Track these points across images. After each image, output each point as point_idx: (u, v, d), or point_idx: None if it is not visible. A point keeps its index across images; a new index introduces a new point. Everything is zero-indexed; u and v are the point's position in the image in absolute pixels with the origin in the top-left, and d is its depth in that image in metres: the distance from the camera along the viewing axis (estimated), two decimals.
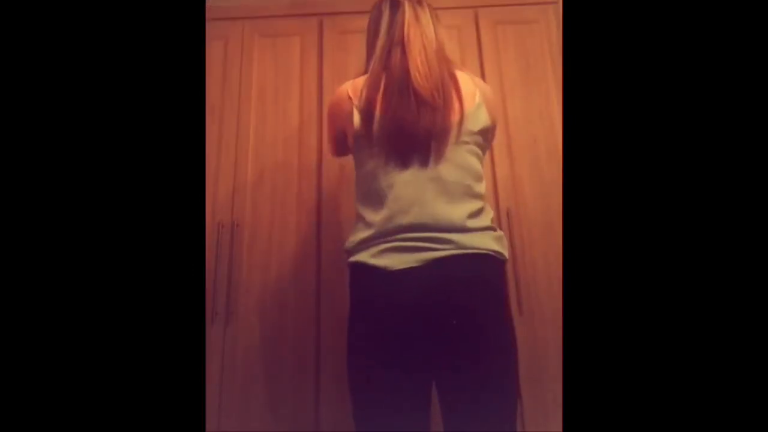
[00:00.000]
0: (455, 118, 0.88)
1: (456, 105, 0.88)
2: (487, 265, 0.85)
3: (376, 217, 0.87)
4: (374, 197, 0.89)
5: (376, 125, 0.88)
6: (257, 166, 1.54)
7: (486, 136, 0.93)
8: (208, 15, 1.68)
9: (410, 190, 0.85)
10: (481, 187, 0.91)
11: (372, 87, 0.91)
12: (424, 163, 0.86)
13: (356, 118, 0.91)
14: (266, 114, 1.59)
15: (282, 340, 1.38)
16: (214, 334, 1.39)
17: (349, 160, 1.51)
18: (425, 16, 0.98)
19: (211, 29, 1.67)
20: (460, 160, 0.88)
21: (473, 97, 0.92)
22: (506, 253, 0.89)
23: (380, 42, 0.98)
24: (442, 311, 0.81)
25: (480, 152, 0.92)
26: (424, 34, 0.95)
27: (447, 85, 0.89)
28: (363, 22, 1.65)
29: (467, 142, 0.89)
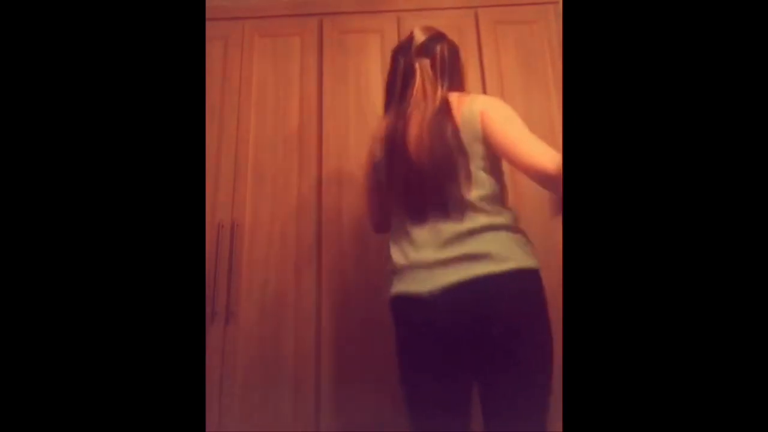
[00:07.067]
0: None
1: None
2: (507, 284, 0.87)
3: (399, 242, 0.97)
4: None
5: (385, 173, 0.99)
6: (257, 166, 1.54)
7: (488, 144, 0.92)
8: (208, 15, 1.68)
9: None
10: (484, 192, 0.92)
11: (382, 138, 1.01)
12: (444, 217, 0.91)
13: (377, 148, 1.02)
14: (266, 114, 1.59)
15: (282, 340, 1.38)
16: (214, 334, 1.39)
17: (347, 161, 1.53)
18: (432, 83, 0.97)
19: (211, 29, 1.67)
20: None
21: (466, 111, 0.93)
22: (523, 263, 0.89)
23: (391, 109, 1.03)
24: (469, 332, 0.88)
25: (483, 163, 0.92)
26: (426, 109, 0.95)
27: (447, 147, 0.91)
28: (363, 22, 1.67)
29: (474, 156, 0.92)
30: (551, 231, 1.44)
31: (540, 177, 0.84)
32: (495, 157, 0.95)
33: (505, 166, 1.00)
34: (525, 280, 0.88)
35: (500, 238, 0.89)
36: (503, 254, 0.87)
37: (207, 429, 1.30)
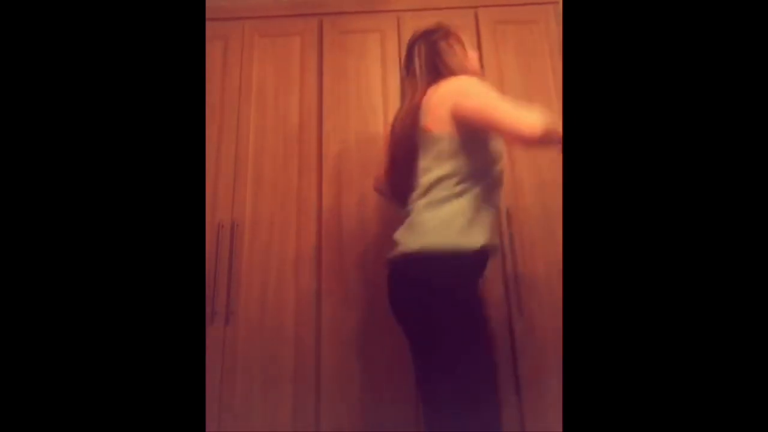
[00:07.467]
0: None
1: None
2: (407, 268, 0.96)
3: None
4: None
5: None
6: (257, 166, 1.54)
7: (428, 136, 0.99)
8: (208, 15, 1.68)
9: None
10: (428, 179, 0.98)
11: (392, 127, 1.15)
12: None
13: None
14: (266, 114, 1.59)
15: (282, 340, 1.38)
16: (213, 333, 1.39)
17: (347, 161, 1.53)
18: (410, 85, 1.10)
19: (211, 29, 1.67)
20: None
21: (424, 104, 1.02)
22: (417, 244, 0.94)
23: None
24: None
25: (438, 147, 0.98)
26: (404, 109, 1.08)
27: (409, 142, 1.04)
28: (363, 22, 1.67)
29: (423, 145, 1.01)
30: (551, 230, 1.44)
31: (521, 143, 0.89)
32: (463, 138, 0.98)
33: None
34: (412, 263, 0.94)
35: (416, 221, 0.96)
36: (404, 239, 0.97)
37: (207, 429, 1.30)
